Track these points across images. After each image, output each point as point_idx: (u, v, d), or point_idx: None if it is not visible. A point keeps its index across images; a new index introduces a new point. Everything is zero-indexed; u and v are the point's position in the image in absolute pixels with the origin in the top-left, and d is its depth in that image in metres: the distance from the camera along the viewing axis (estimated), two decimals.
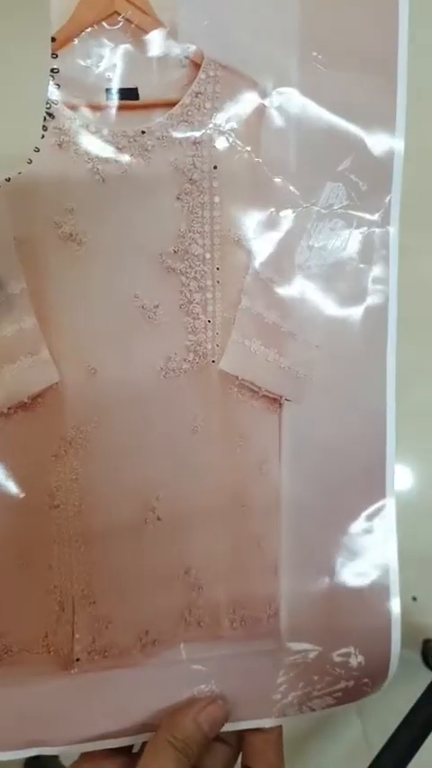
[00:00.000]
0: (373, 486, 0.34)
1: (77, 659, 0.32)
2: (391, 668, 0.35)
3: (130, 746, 0.33)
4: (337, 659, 0.34)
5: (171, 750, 0.30)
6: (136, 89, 0.29)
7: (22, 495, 0.31)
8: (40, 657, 0.32)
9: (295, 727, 0.35)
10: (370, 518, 0.34)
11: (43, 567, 0.31)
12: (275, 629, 0.34)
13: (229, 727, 0.33)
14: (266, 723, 0.34)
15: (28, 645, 0.32)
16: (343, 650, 0.34)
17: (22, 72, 0.30)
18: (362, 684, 0.35)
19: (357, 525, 0.34)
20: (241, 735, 0.34)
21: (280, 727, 0.34)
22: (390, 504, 0.34)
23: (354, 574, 0.34)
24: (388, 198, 0.32)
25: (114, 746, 0.32)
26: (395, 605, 0.34)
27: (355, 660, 0.34)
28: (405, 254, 0.32)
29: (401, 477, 0.34)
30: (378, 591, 0.34)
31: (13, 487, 0.31)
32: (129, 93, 0.29)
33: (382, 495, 0.34)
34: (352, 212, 0.32)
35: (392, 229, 0.32)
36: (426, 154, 0.33)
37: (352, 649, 0.34)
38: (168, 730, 0.31)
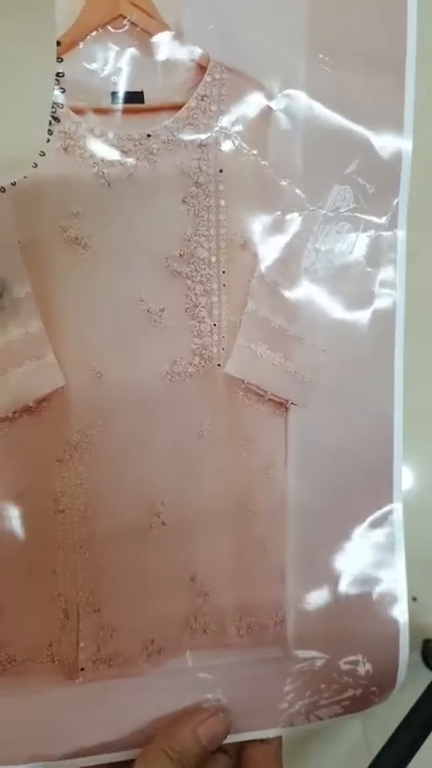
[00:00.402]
0: (380, 490, 0.34)
1: (82, 668, 0.31)
2: (399, 676, 0.34)
3: None
4: (345, 667, 0.34)
5: (166, 760, 0.29)
6: (141, 92, 0.29)
7: (26, 500, 0.30)
8: (45, 667, 0.31)
9: (295, 727, 0.34)
10: (377, 523, 0.34)
11: (48, 573, 0.31)
12: (282, 637, 0.34)
13: (234, 738, 0.33)
14: (273, 733, 0.34)
15: (32, 654, 0.31)
16: (350, 658, 0.34)
17: (25, 73, 0.29)
18: (369, 693, 0.34)
19: (364, 530, 0.34)
20: (241, 745, 0.34)
21: (280, 737, 0.34)
22: (397, 508, 0.34)
23: (361, 579, 0.34)
24: (395, 201, 0.31)
25: (119, 759, 0.31)
26: (403, 612, 0.34)
27: (363, 668, 0.34)
28: (414, 255, 0.32)
29: (404, 478, 0.34)
30: (385, 597, 0.34)
31: (17, 492, 0.30)
32: (134, 97, 0.29)
33: (390, 499, 0.34)
34: (359, 215, 0.31)
35: (400, 232, 0.32)
36: None
37: (359, 657, 0.34)
38: (165, 740, 0.30)
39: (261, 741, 0.33)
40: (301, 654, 0.34)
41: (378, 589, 0.34)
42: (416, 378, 0.34)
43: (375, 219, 0.32)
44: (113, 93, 0.29)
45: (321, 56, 0.29)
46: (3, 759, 0.30)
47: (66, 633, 0.31)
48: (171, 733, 0.30)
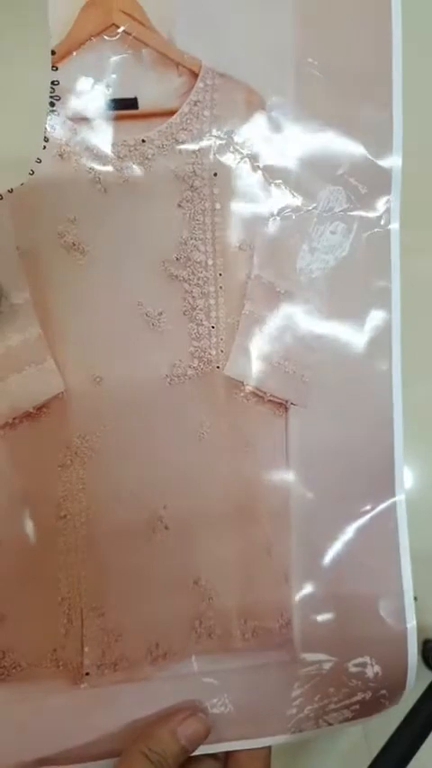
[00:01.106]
0: (382, 489, 0.33)
1: (87, 673, 0.31)
2: (409, 678, 0.34)
3: None
4: (354, 670, 0.33)
5: (145, 762, 0.28)
6: (135, 99, 0.29)
7: (28, 506, 0.30)
8: (49, 672, 0.31)
9: (303, 733, 0.34)
10: (380, 523, 0.33)
11: (50, 579, 0.31)
12: (288, 640, 0.33)
13: (243, 745, 0.32)
14: (282, 740, 0.33)
15: (37, 660, 0.31)
16: (359, 660, 0.33)
17: (23, 74, 0.30)
18: (379, 696, 0.34)
19: (368, 530, 0.33)
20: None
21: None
22: (400, 508, 0.34)
23: (366, 580, 0.34)
24: (388, 199, 0.32)
25: None
26: (410, 611, 0.34)
27: (372, 670, 0.34)
28: (409, 254, 0.32)
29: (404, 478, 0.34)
30: (391, 596, 0.34)
31: (19, 498, 0.30)
32: (128, 103, 0.29)
33: (392, 498, 0.33)
34: (352, 215, 0.32)
35: (393, 231, 0.32)
36: (427, 151, 0.33)
37: (368, 659, 0.34)
38: (144, 741, 0.29)
39: None
40: (309, 657, 0.33)
41: (384, 589, 0.34)
42: (415, 375, 0.34)
43: (369, 219, 0.32)
44: (107, 100, 0.29)
45: (311, 60, 0.30)
46: (7, 765, 0.30)
47: (70, 638, 0.31)
48: (149, 734, 0.30)
